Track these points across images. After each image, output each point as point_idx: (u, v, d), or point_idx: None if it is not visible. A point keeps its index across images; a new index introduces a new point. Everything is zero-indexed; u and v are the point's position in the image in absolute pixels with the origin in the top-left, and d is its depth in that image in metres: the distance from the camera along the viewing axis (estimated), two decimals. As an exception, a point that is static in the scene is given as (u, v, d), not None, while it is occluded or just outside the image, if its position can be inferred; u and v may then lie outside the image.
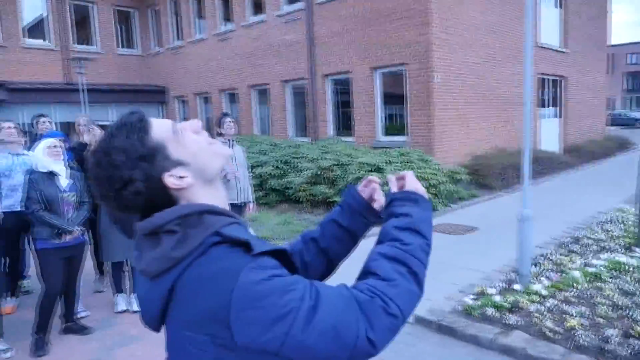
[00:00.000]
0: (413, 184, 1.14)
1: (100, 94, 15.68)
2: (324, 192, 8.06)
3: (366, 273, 0.96)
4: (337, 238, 1.24)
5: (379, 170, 7.78)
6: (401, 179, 1.17)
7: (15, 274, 4.70)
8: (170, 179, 0.93)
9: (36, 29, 15.54)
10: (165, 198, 0.94)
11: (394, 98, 10.66)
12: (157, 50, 17.32)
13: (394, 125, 10.73)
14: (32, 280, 4.82)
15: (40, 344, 3.66)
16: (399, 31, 9.88)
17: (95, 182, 0.94)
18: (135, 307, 4.41)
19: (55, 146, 3.76)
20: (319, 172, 8.27)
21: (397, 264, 0.96)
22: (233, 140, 5.03)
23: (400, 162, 8.22)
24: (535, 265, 4.67)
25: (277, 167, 9.07)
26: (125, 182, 0.90)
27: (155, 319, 0.93)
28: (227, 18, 14.41)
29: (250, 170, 5.80)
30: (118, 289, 4.49)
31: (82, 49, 16.03)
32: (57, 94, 14.63)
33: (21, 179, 3.91)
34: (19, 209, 3.98)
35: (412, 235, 1.02)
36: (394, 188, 1.16)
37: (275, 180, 8.88)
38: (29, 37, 15.24)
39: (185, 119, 16.72)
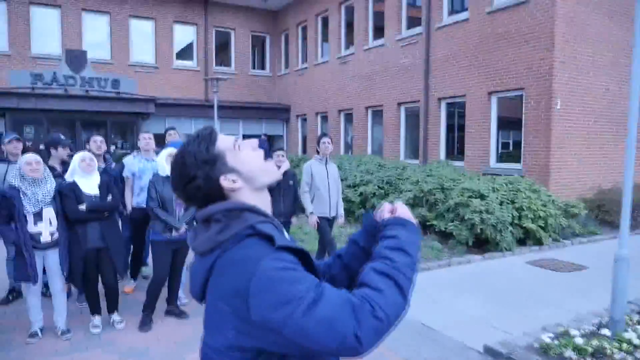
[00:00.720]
0: (403, 212, 1.29)
1: (232, 111, 17.39)
2: (422, 215, 8.03)
3: (360, 284, 1.11)
4: (355, 256, 1.40)
5: (481, 197, 7.55)
6: (394, 210, 1.31)
7: (138, 261, 5.55)
8: (224, 181, 1.18)
9: (185, 53, 17.81)
10: (220, 195, 1.19)
11: (509, 123, 10.23)
12: (284, 71, 18.67)
13: (508, 152, 10.27)
14: (150, 267, 5.63)
15: (146, 321, 4.32)
16: (519, 54, 9.51)
17: (171, 176, 1.23)
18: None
19: (172, 155, 4.45)
20: (419, 195, 8.27)
21: (386, 278, 1.09)
22: (328, 158, 5.39)
23: (507, 191, 7.87)
24: (638, 313, 4.23)
25: (380, 187, 9.25)
26: (190, 178, 1.17)
27: (199, 290, 1.18)
28: (349, 42, 15.07)
29: (343, 184, 6.09)
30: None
31: (221, 70, 17.95)
32: (196, 110, 16.55)
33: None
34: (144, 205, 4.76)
35: (399, 255, 1.15)
36: (386, 215, 1.31)
37: (377, 200, 9.07)
38: (178, 60, 17.49)
39: (304, 136, 17.73)
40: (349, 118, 15.31)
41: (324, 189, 5.25)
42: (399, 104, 12.99)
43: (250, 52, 18.89)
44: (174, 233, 4.33)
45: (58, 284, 4.13)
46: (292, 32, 18.05)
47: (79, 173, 4.16)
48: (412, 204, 8.33)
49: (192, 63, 17.73)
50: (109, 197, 4.22)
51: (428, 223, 7.95)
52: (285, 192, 5.27)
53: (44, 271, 4.10)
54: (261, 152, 1.27)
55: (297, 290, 1.00)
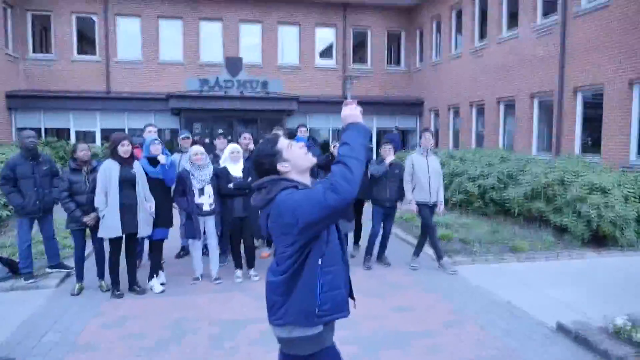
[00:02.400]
0: (346, 114, 2.03)
1: (367, 106, 18.33)
2: (539, 208, 8.09)
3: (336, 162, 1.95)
4: None
5: (603, 192, 7.37)
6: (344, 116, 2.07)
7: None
8: (280, 167, 2.14)
9: (325, 52, 19.33)
10: (277, 173, 2.16)
11: (654, 115, 9.47)
12: (419, 66, 19.09)
13: (652, 146, 9.52)
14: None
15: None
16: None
17: (252, 162, 2.27)
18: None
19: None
20: (537, 188, 8.30)
21: (339, 165, 1.90)
22: (429, 151, 6.04)
23: (636, 187, 7.53)
24: None
25: (500, 180, 9.40)
26: (261, 164, 2.18)
27: (265, 231, 2.16)
28: (483, 34, 14.96)
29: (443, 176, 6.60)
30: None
31: (358, 68, 19.10)
32: (334, 106, 17.90)
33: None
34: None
35: (344, 148, 1.95)
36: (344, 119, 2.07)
37: (495, 193, 9.26)
38: (319, 60, 19.07)
39: (436, 129, 17.99)
40: (480, 111, 15.24)
41: (425, 178, 5.92)
42: (532, 96, 12.65)
43: (386, 49, 19.68)
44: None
45: (214, 242, 5.54)
46: (426, 27, 18.38)
47: (229, 161, 5.52)
48: (531, 197, 8.40)
49: (331, 62, 19.18)
50: (249, 179, 5.49)
51: (544, 217, 8.00)
52: (391, 181, 6.06)
53: (204, 233, 5.54)
54: (303, 149, 2.17)
55: (310, 200, 1.89)
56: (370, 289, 5.35)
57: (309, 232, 1.96)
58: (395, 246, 7.24)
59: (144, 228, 5.00)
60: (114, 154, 4.89)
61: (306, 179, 2.16)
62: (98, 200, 4.82)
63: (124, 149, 4.87)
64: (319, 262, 2.02)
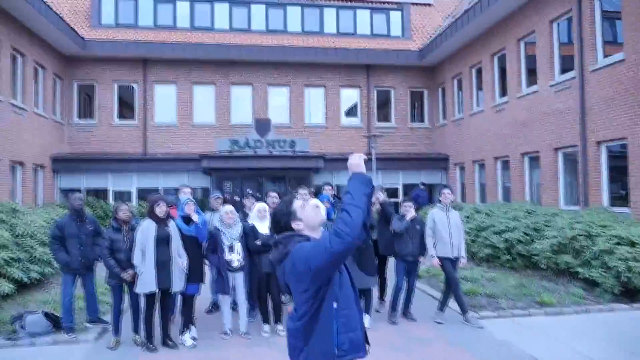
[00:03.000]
0: (351, 164, 2.31)
1: (393, 162, 18.81)
2: (567, 262, 8.04)
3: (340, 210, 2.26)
4: None
5: (632, 244, 7.34)
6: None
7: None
8: (294, 225, 2.46)
9: (350, 112, 20.06)
10: (292, 229, 2.48)
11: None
12: (442, 122, 19.53)
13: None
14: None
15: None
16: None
17: (271, 220, 2.60)
18: (367, 324, 6.02)
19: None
20: (563, 242, 8.28)
21: (343, 212, 2.18)
22: (449, 206, 6.25)
23: (665, 239, 7.45)
24: None
25: (526, 234, 9.40)
26: (278, 222, 2.50)
27: (284, 283, 2.43)
28: (503, 91, 15.37)
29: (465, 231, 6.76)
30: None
31: (382, 125, 19.67)
32: (359, 162, 18.36)
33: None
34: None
35: (346, 197, 2.22)
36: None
37: (522, 246, 9.25)
38: (344, 119, 19.78)
39: (462, 184, 18.11)
40: (505, 165, 15.36)
41: (446, 233, 6.09)
42: (556, 149, 12.76)
43: (409, 107, 20.28)
44: None
45: (242, 298, 5.78)
46: (448, 84, 18.97)
47: (256, 219, 5.85)
48: (558, 251, 8.38)
49: (356, 120, 19.84)
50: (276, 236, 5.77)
51: (572, 270, 7.93)
52: (413, 236, 6.24)
53: (233, 288, 5.79)
54: (318, 209, 2.48)
55: (319, 249, 2.17)
56: (394, 344, 5.42)
57: (321, 277, 2.21)
58: (421, 302, 7.30)
59: (177, 283, 5.30)
60: (151, 214, 5.29)
61: (317, 234, 2.45)
62: (136, 257, 5.18)
63: (160, 209, 5.28)
64: (334, 306, 2.25)
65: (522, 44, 14.35)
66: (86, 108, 18.53)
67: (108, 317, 5.94)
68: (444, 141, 19.32)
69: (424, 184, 18.46)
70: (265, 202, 6.66)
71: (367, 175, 2.29)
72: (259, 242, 5.68)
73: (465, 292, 7.42)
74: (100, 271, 5.94)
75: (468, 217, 11.39)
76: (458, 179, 18.65)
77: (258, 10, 19.29)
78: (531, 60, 13.93)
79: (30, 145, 14.72)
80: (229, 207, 5.84)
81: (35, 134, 15.13)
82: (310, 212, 2.46)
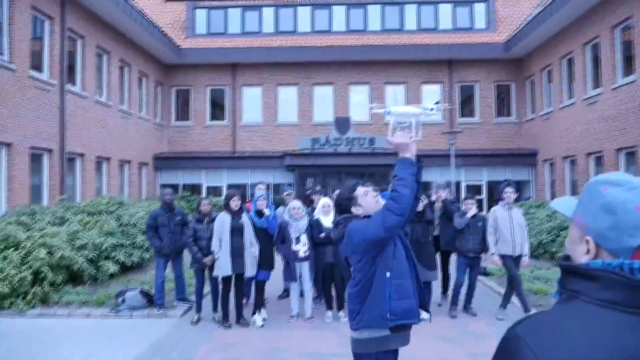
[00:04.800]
0: (397, 144, 2.59)
1: (476, 158, 18.37)
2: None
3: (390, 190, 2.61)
4: None
5: None
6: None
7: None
8: (353, 209, 2.84)
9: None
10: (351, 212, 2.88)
11: None
12: (530, 117, 18.65)
13: None
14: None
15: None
16: None
17: (334, 203, 3.10)
18: (425, 317, 6.23)
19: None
20: None
21: (393, 192, 2.51)
22: (511, 205, 6.23)
23: None
24: None
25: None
26: (340, 205, 2.93)
27: (344, 257, 2.85)
28: (596, 82, 14.39)
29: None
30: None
31: (465, 121, 19.26)
32: (440, 159, 18.08)
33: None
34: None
35: (394, 181, 2.54)
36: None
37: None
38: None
39: (552, 181, 17.21)
40: (598, 161, 14.39)
41: (508, 232, 6.08)
42: (655, 144, 11.77)
43: (494, 101, 19.60)
44: None
45: (308, 286, 6.27)
46: (537, 77, 18.07)
47: (321, 213, 6.30)
48: None
49: (437, 117, 19.60)
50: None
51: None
52: (474, 233, 6.29)
53: (300, 276, 6.29)
54: (376, 198, 2.80)
55: (373, 223, 2.55)
56: (449, 336, 5.58)
57: (374, 249, 2.53)
58: (486, 298, 7.31)
59: (250, 269, 5.91)
60: (226, 208, 5.95)
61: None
62: (214, 245, 5.87)
63: (235, 203, 5.92)
64: (387, 275, 2.52)
65: (617, 31, 13.35)
66: (183, 111, 20.29)
67: (194, 297, 6.75)
68: (532, 136, 18.45)
69: (507, 181, 17.75)
70: (332, 198, 7.08)
71: (409, 158, 2.55)
72: (322, 235, 6.13)
73: (535, 291, 7.32)
74: (188, 257, 6.76)
75: (549, 215, 10.95)
76: (547, 176, 17.74)
77: (339, 11, 19.78)
78: (627, 48, 12.92)
79: (135, 146, 16.54)
80: (297, 203, 6.34)
81: (140, 135, 16.95)
82: (370, 199, 2.78)
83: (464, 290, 6.51)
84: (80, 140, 13.16)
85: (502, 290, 7.76)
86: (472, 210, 6.35)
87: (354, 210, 2.70)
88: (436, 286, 6.78)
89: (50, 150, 11.89)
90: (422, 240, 6.13)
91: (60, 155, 12.14)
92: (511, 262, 6.12)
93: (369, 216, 2.68)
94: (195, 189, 19.02)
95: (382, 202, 2.75)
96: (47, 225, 8.05)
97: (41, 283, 6.74)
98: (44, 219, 8.36)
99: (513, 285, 6.20)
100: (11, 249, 6.86)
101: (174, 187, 18.95)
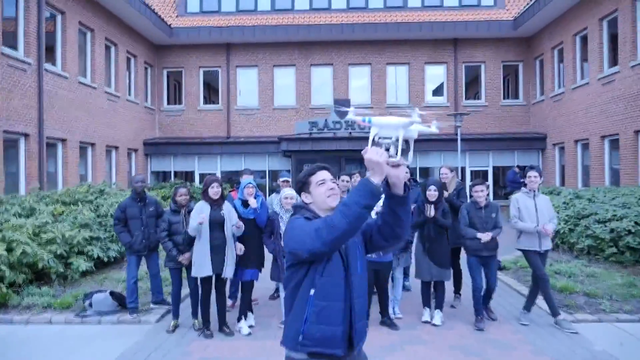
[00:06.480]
0: (369, 163, 1.85)
1: (481, 142, 17.48)
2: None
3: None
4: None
5: None
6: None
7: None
8: (302, 196, 2.20)
9: (437, 90, 18.89)
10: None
11: None
12: (540, 98, 17.70)
13: None
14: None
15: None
16: None
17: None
18: (438, 322, 5.42)
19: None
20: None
21: (335, 212, 1.88)
22: (536, 191, 5.35)
23: None
24: None
25: (638, 224, 8.06)
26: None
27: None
28: (613, 60, 13.43)
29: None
30: (426, 303, 5.63)
31: (470, 103, 18.32)
32: (445, 144, 17.22)
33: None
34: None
35: (340, 205, 1.89)
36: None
37: (633, 238, 7.95)
38: (429, 98, 18.69)
39: (562, 166, 16.34)
40: (614, 144, 13.50)
41: (532, 223, 5.22)
42: (679, 126, 10.88)
43: (501, 82, 18.64)
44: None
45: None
46: (546, 56, 17.08)
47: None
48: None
49: (441, 99, 18.66)
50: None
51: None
52: (487, 227, 5.30)
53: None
54: (329, 192, 2.13)
55: (304, 227, 1.98)
56: (468, 347, 4.78)
57: (292, 258, 2.05)
58: (505, 298, 6.50)
59: (227, 270, 5.06)
60: (205, 196, 5.10)
61: (323, 211, 2.16)
62: (191, 229, 4.98)
63: (214, 190, 5.07)
64: (311, 293, 2.04)
65: (638, 4, 12.35)
66: (174, 94, 19.34)
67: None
68: (541, 119, 17.53)
69: (519, 167, 16.90)
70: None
71: (374, 184, 1.82)
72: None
73: (558, 289, 6.51)
74: (164, 253, 5.93)
75: (566, 203, 10.10)
76: (557, 161, 16.87)
77: (338, -14, 18.73)
78: (649, 22, 11.95)
79: (123, 131, 15.63)
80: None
81: (128, 120, 16.03)
82: (320, 192, 2.15)
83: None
84: (62, 124, 12.27)
85: (520, 287, 6.96)
86: (483, 201, 5.40)
87: (302, 196, 2.19)
88: (448, 285, 5.92)
89: (26, 135, 11.01)
90: (434, 235, 5.31)
91: (38, 140, 11.26)
92: (537, 258, 5.27)
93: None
94: (187, 176, 18.19)
95: (339, 199, 2.12)
96: (13, 218, 7.21)
97: (-1, 283, 5.92)
98: (9, 210, 7.51)
99: (539, 285, 5.35)
100: (-36, 245, 6.03)
101: (166, 174, 18.13)
